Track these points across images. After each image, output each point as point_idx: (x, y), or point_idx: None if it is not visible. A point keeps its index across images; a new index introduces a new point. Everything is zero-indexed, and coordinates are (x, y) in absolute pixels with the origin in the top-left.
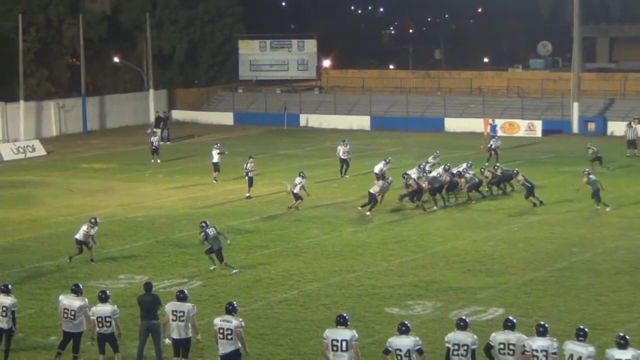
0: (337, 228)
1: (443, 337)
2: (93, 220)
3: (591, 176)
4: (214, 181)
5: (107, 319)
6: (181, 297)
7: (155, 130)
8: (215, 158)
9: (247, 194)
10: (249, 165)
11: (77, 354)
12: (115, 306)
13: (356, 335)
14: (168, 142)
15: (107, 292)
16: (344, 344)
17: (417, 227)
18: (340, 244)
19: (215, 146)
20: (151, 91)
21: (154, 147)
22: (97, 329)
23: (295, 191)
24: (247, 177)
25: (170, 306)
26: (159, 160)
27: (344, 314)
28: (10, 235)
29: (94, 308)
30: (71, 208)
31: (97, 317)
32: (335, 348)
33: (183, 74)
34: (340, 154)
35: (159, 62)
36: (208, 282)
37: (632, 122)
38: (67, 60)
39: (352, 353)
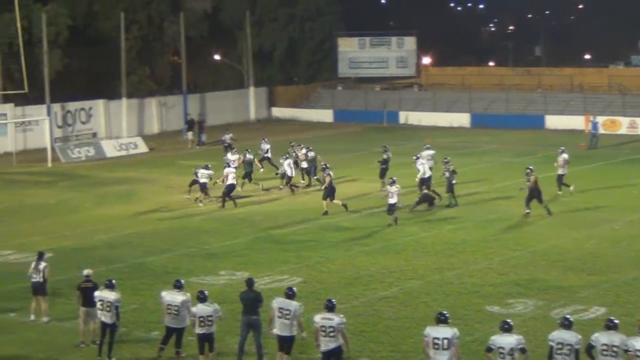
0: (435, 226)
1: (544, 336)
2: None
3: None
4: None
5: (209, 319)
6: (290, 294)
7: (188, 133)
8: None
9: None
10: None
11: (180, 349)
12: (217, 305)
13: (457, 333)
14: (197, 147)
15: (206, 292)
16: (445, 342)
17: (516, 225)
18: (440, 242)
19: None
20: (251, 88)
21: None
22: (199, 328)
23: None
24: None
25: (277, 303)
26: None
27: (445, 312)
28: (113, 231)
29: (194, 309)
30: (172, 204)
31: (199, 317)
32: (436, 346)
33: (283, 72)
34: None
35: (259, 59)
36: (308, 278)
37: None
38: (168, 58)
39: (452, 351)
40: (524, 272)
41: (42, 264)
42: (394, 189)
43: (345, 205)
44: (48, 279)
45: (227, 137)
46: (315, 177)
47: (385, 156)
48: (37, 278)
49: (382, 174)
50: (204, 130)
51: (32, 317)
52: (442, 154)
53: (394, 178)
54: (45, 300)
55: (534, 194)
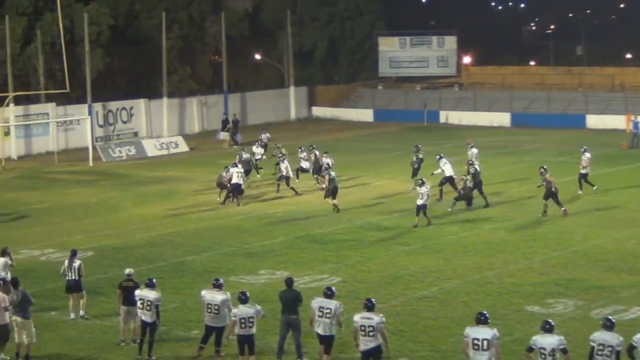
0: (476, 225)
1: (584, 336)
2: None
3: None
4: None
5: (250, 320)
6: (329, 294)
7: (221, 133)
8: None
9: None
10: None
11: (220, 348)
12: (258, 306)
13: (497, 334)
14: (235, 147)
15: (247, 293)
16: (484, 343)
17: (557, 225)
18: (479, 241)
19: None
20: (292, 88)
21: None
22: (240, 329)
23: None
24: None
25: (317, 302)
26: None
27: (485, 312)
28: (154, 230)
29: (235, 310)
30: (212, 204)
31: (240, 319)
32: (476, 347)
33: (323, 71)
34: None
35: (299, 59)
36: (347, 278)
37: None
38: (209, 57)
39: (492, 352)
40: (564, 271)
41: (77, 262)
42: (423, 189)
43: (336, 207)
44: (83, 275)
45: (264, 136)
46: (315, 176)
47: (419, 156)
48: (72, 276)
49: (414, 174)
50: (239, 129)
51: (72, 315)
52: (481, 154)
53: (424, 179)
54: (82, 297)
55: (550, 193)
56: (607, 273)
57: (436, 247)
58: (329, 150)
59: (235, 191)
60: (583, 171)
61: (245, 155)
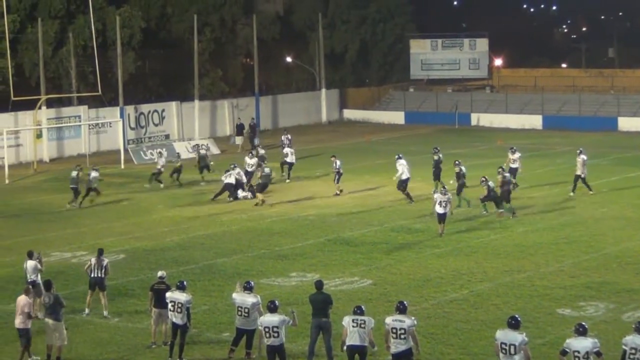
0: (507, 228)
1: (615, 339)
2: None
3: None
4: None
5: (275, 329)
6: (359, 312)
7: (236, 137)
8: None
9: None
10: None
11: (250, 350)
12: (285, 316)
13: (526, 339)
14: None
15: (276, 302)
16: (512, 348)
17: (588, 228)
18: (511, 244)
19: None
20: (323, 90)
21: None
22: (267, 339)
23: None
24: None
25: (348, 318)
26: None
27: (517, 316)
28: (185, 233)
29: (262, 318)
30: (243, 205)
31: (265, 327)
32: (504, 351)
33: (354, 74)
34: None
35: (330, 61)
36: (378, 280)
37: None
38: (240, 60)
39: (521, 355)
40: (595, 274)
41: (105, 260)
42: (445, 198)
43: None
44: (109, 274)
45: (285, 138)
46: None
47: (436, 157)
48: (99, 274)
49: (436, 176)
50: (256, 133)
51: (87, 311)
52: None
53: (446, 187)
54: (105, 296)
55: (492, 195)
56: (639, 276)
57: (467, 249)
58: (361, 151)
59: (226, 189)
60: (578, 172)
61: (267, 170)
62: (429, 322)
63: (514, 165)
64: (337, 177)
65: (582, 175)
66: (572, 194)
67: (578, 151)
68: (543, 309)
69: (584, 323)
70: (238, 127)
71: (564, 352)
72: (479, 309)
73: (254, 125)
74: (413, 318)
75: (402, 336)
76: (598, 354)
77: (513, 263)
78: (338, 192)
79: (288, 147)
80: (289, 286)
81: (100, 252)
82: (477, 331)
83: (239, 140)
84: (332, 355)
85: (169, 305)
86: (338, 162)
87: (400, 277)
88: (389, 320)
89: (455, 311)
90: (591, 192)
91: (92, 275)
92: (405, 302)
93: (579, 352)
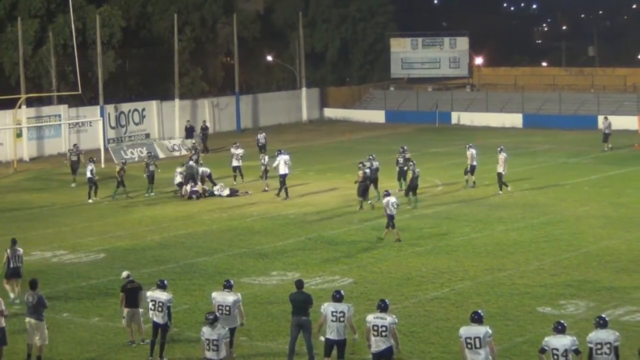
0: (487, 226)
1: None
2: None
3: None
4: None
5: (215, 343)
6: (338, 297)
7: (185, 140)
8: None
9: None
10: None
11: (231, 349)
12: (226, 329)
13: (489, 331)
14: (205, 154)
15: (216, 314)
16: (477, 341)
17: (569, 226)
18: (491, 243)
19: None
20: (304, 89)
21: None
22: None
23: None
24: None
25: (327, 307)
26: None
27: (479, 311)
28: (166, 232)
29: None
30: (224, 205)
31: (205, 339)
32: (469, 346)
33: (335, 72)
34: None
35: (311, 60)
36: (359, 279)
37: None
38: (221, 59)
39: (487, 350)
40: (576, 273)
41: (20, 250)
42: (392, 199)
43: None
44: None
45: (261, 136)
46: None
47: (400, 159)
48: (16, 264)
49: (399, 176)
50: (207, 137)
51: (12, 295)
52: (493, 155)
53: (388, 190)
54: (19, 284)
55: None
56: (619, 274)
57: (448, 248)
58: (341, 150)
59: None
60: (499, 170)
61: (190, 163)
62: (409, 321)
63: (473, 163)
64: (265, 173)
65: (503, 173)
66: (500, 192)
67: (499, 149)
68: (523, 307)
69: (562, 321)
70: (188, 129)
71: (542, 350)
72: (460, 308)
73: (205, 128)
74: (394, 316)
75: (384, 334)
76: (576, 351)
77: (494, 261)
78: (266, 189)
79: (281, 154)
80: (269, 285)
81: (14, 242)
82: (458, 330)
83: (188, 142)
84: (313, 354)
85: (150, 304)
86: (266, 158)
87: (381, 276)
88: (370, 317)
89: (436, 310)
90: (500, 193)
91: (11, 266)
92: (386, 300)
93: (557, 349)
